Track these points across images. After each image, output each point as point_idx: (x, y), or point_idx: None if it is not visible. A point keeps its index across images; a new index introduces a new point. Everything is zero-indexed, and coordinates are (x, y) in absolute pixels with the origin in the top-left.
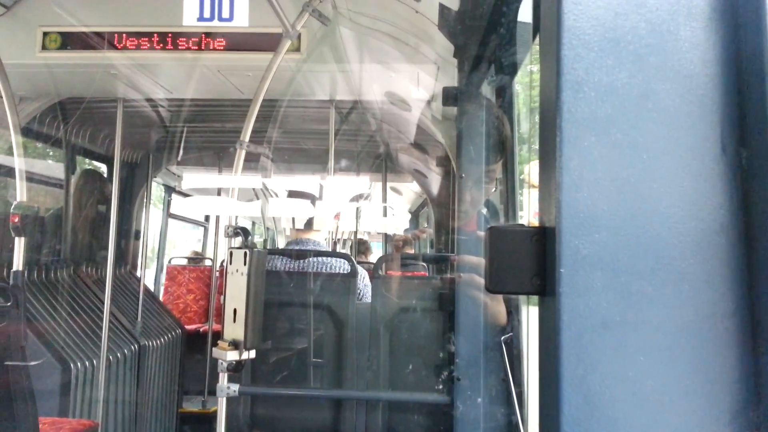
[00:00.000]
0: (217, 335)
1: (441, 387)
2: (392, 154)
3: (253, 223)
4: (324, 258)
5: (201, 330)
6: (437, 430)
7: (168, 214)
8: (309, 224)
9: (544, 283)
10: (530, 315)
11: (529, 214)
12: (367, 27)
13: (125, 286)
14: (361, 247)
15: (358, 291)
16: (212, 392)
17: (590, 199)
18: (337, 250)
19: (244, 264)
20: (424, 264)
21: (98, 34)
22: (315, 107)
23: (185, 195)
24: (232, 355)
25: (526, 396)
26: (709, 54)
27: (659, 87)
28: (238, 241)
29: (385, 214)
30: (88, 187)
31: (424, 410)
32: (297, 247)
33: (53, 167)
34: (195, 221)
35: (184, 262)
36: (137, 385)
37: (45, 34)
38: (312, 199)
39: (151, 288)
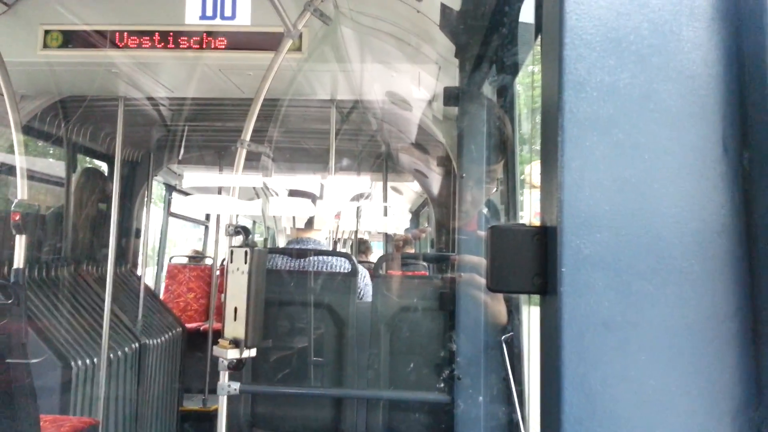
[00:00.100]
0: (218, 334)
1: (442, 386)
2: (393, 154)
3: (254, 222)
4: (324, 257)
5: (201, 328)
6: (438, 429)
7: (169, 213)
8: (309, 223)
9: (545, 283)
10: (531, 314)
11: (530, 214)
12: (368, 26)
13: (126, 284)
14: (362, 246)
15: (359, 290)
16: (213, 390)
17: (592, 199)
18: (338, 250)
19: (245, 263)
20: (425, 263)
21: (99, 32)
22: (316, 107)
23: (186, 194)
24: (233, 354)
25: (527, 395)
26: (711, 54)
27: (661, 87)
28: (238, 239)
29: (385, 214)
30: (89, 186)
31: (425, 409)
32: (298, 246)
33: (54, 165)
34: (196, 220)
35: (185, 260)
36: (138, 383)
37: (46, 32)
38: (313, 198)
39: (152, 286)
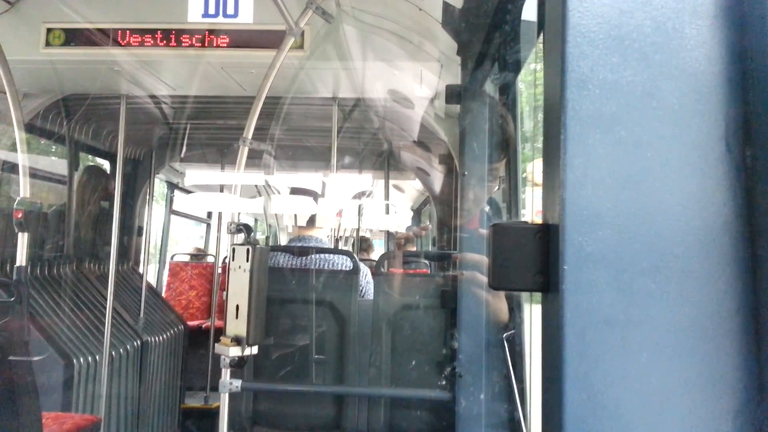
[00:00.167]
0: (220, 331)
1: (443, 383)
2: (395, 152)
3: (256, 220)
4: (326, 255)
5: (203, 326)
6: (439, 427)
7: (171, 211)
8: (311, 221)
9: (547, 280)
10: (532, 312)
11: (532, 212)
12: (370, 24)
13: (128, 282)
14: (364, 244)
15: (360, 288)
16: (214, 388)
17: (594, 197)
18: (339, 248)
19: (247, 260)
20: (426, 261)
21: (102, 30)
22: (318, 104)
23: (188, 191)
24: (235, 351)
25: (528, 392)
26: (714, 52)
27: (664, 85)
28: (240, 237)
29: (387, 212)
30: (91, 184)
31: (427, 406)
32: (299, 244)
33: (56, 163)
34: (197, 218)
35: (187, 258)
36: (140, 381)
37: (49, 30)
38: (314, 196)
39: (154, 284)
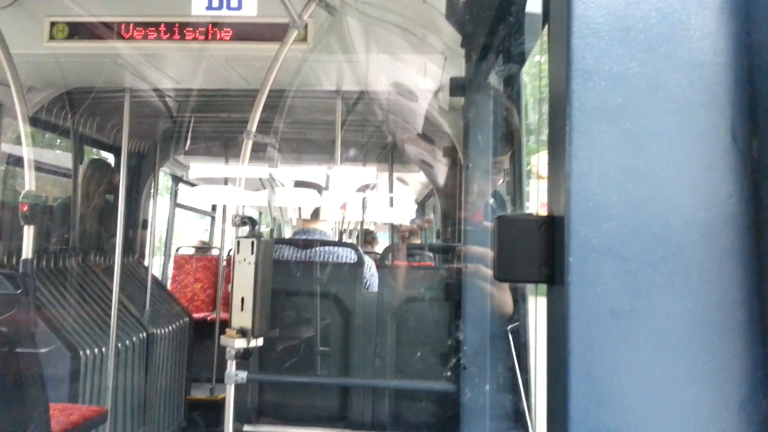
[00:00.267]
0: (225, 324)
1: (448, 375)
2: (399, 145)
3: (260, 213)
4: (331, 247)
5: (208, 318)
6: (444, 418)
7: (175, 204)
8: (315, 214)
9: (552, 272)
10: (537, 304)
11: (536, 205)
12: (373, 17)
13: (133, 274)
14: (368, 237)
15: (365, 280)
16: (220, 380)
17: (600, 189)
18: (344, 240)
19: (252, 253)
20: (431, 254)
21: (105, 24)
22: (321, 97)
23: (192, 185)
24: (240, 343)
25: (533, 384)
26: (721, 43)
27: (670, 76)
28: (245, 230)
29: (391, 205)
30: (96, 177)
31: (431, 398)
32: (304, 237)
33: (61, 157)
34: (202, 211)
35: (192, 251)
36: (146, 373)
37: (52, 24)
38: (318, 189)
39: (159, 277)
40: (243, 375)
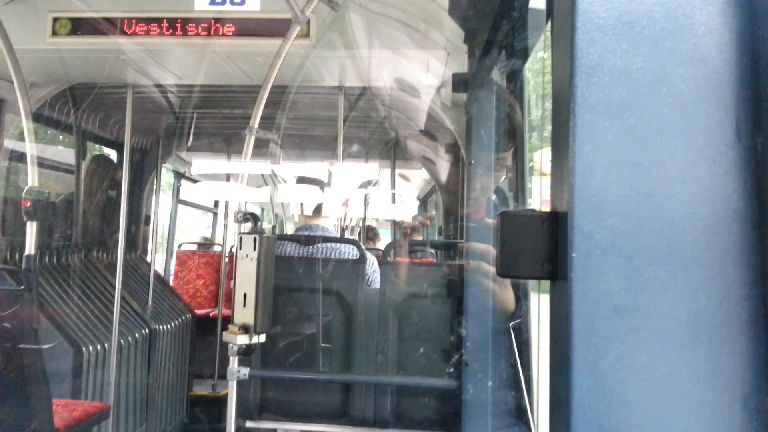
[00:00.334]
0: (227, 320)
1: (450, 371)
2: (401, 141)
3: (262, 209)
4: (333, 244)
5: (211, 315)
6: (446, 414)
7: (177, 200)
8: (318, 210)
9: (555, 268)
10: (539, 301)
11: (539, 201)
12: (376, 12)
13: (136, 270)
14: (370, 233)
15: (367, 277)
16: (222, 376)
17: (603, 185)
18: (346, 237)
19: (254, 249)
20: (433, 251)
21: (108, 19)
22: (324, 93)
23: (195, 181)
24: (243, 339)
25: (535, 381)
26: (725, 38)
27: (674, 71)
28: (247, 226)
29: (393, 201)
30: (99, 173)
31: (433, 394)
32: (306, 233)
33: (64, 153)
34: (204, 207)
35: (194, 247)
36: (148, 369)
37: (55, 19)
38: (321, 185)
39: (162, 273)
40: (245, 371)
